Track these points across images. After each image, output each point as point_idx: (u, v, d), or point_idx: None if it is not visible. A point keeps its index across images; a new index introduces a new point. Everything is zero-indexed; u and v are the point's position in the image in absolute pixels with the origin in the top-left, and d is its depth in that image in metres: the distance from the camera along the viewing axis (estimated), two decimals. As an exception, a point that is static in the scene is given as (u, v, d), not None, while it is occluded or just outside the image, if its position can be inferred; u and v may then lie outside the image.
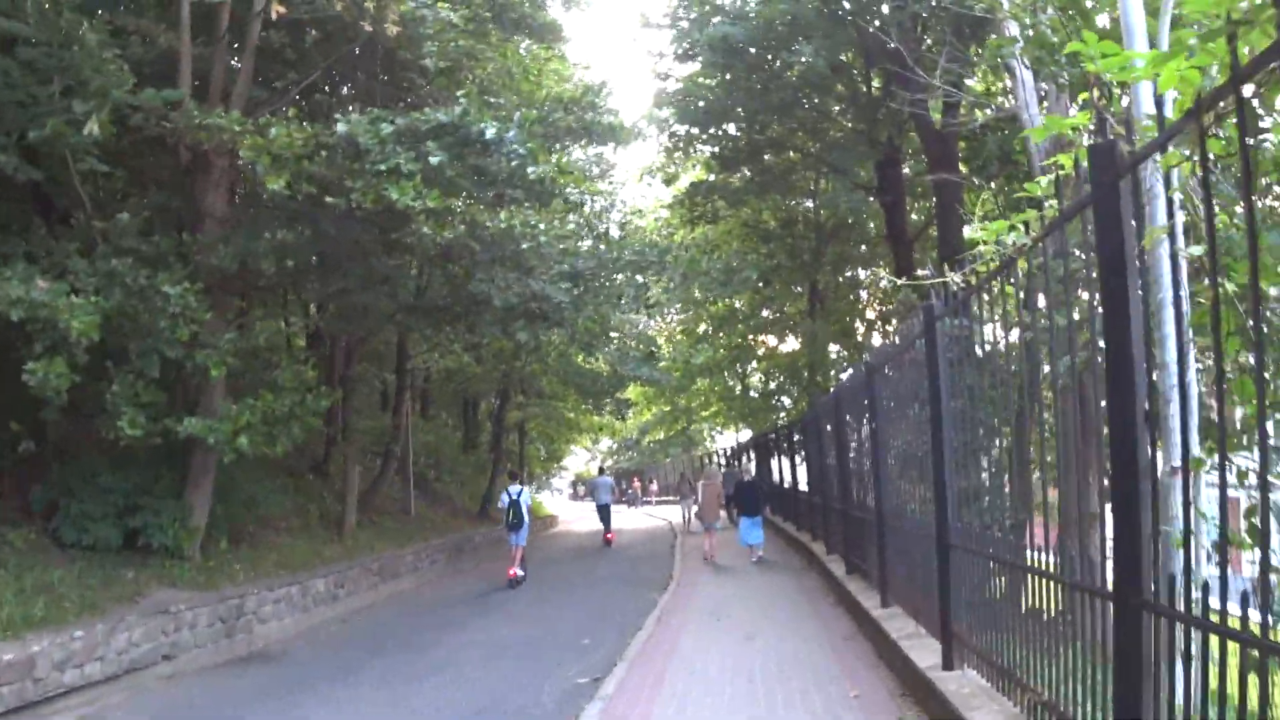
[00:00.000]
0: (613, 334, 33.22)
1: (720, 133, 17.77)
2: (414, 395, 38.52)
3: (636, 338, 36.42)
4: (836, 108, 18.28)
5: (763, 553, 17.69)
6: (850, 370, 11.87)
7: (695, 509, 22.89)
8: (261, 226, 11.54)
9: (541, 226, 11.07)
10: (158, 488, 12.27)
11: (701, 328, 29.74)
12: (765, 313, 29.57)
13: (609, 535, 26.68)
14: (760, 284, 22.16)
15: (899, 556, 7.89)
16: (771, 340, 32.20)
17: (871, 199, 21.00)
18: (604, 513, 27.28)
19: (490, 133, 10.87)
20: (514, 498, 18.16)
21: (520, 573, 17.41)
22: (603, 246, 16.81)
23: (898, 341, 7.46)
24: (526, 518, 18.08)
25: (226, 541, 13.43)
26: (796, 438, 20.09)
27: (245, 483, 14.95)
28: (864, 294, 27.39)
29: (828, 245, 21.76)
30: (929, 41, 14.49)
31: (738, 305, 28.23)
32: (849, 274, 25.14)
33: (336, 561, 16.10)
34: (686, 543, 22.81)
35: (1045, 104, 10.24)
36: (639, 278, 17.78)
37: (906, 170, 19.11)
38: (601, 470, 41.35)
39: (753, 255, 21.31)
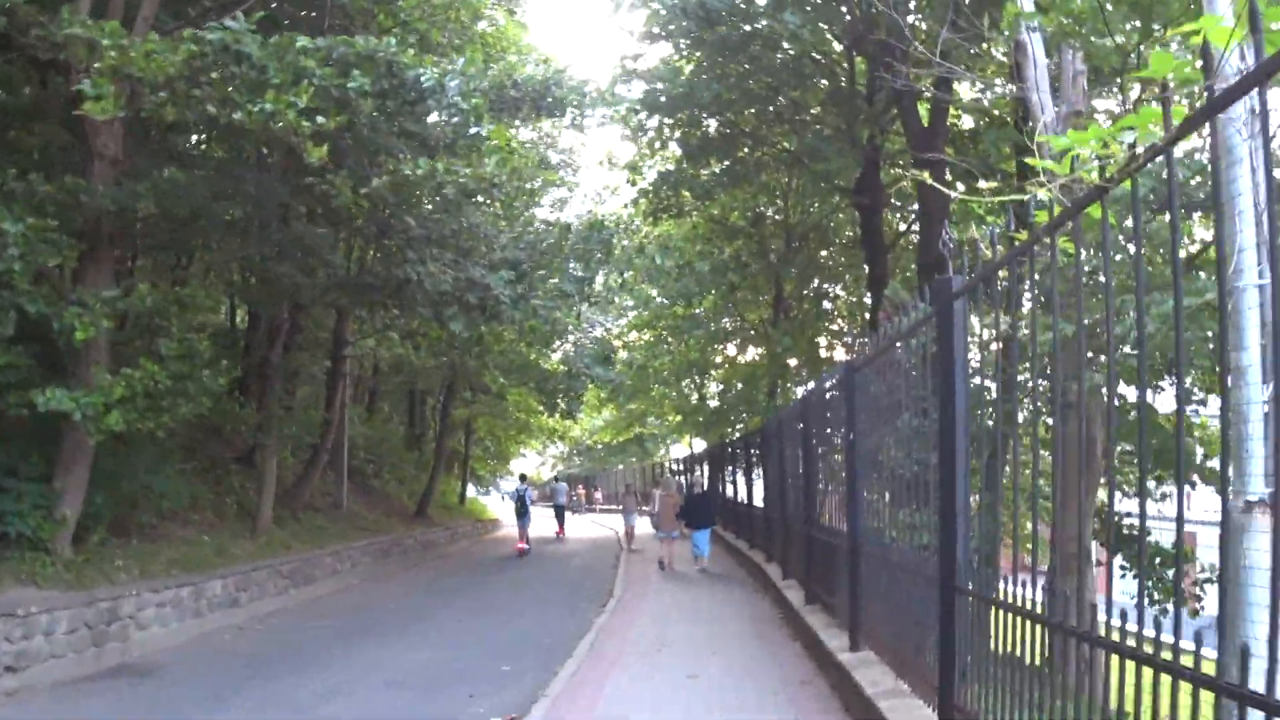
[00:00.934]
0: (569, 332, 31.98)
1: (690, 118, 16.42)
2: (359, 388, 37.01)
3: (593, 340, 35.16)
4: (815, 107, 17.05)
5: (708, 564, 18.22)
6: (823, 376, 10.52)
7: (649, 518, 23.00)
8: (159, 170, 10.00)
9: (466, 171, 9.61)
10: (24, 469, 10.65)
11: (659, 333, 28.34)
12: (726, 321, 28.34)
13: (560, 531, 31.50)
14: (723, 284, 20.77)
15: (877, 592, 6.57)
16: (731, 350, 31.01)
17: (845, 204, 19.89)
18: (559, 512, 32.63)
19: (428, 79, 9.43)
20: (521, 494, 25.26)
21: (527, 546, 24.31)
22: (545, 229, 15.34)
23: (889, 334, 6.14)
24: (530, 509, 24.88)
25: (104, 535, 11.78)
26: (753, 451, 18.83)
27: (139, 469, 13.34)
28: (829, 305, 26.31)
29: (797, 249, 20.51)
30: (921, 18, 13.30)
31: (698, 311, 26.96)
32: (816, 284, 23.92)
33: (243, 561, 14.52)
34: (631, 559, 21.38)
35: (1058, 88, 9.08)
36: (578, 269, 16.37)
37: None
38: (557, 478, 47.81)
39: (716, 253, 19.90)
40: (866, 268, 17.86)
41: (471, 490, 54.19)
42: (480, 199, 11.14)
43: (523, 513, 24.88)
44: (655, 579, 16.98)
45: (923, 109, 15.07)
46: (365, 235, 12.17)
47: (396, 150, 10.48)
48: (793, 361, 24.18)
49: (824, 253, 23.00)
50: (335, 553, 18.17)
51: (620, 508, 29.07)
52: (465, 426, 38.24)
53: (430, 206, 11.75)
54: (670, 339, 28.05)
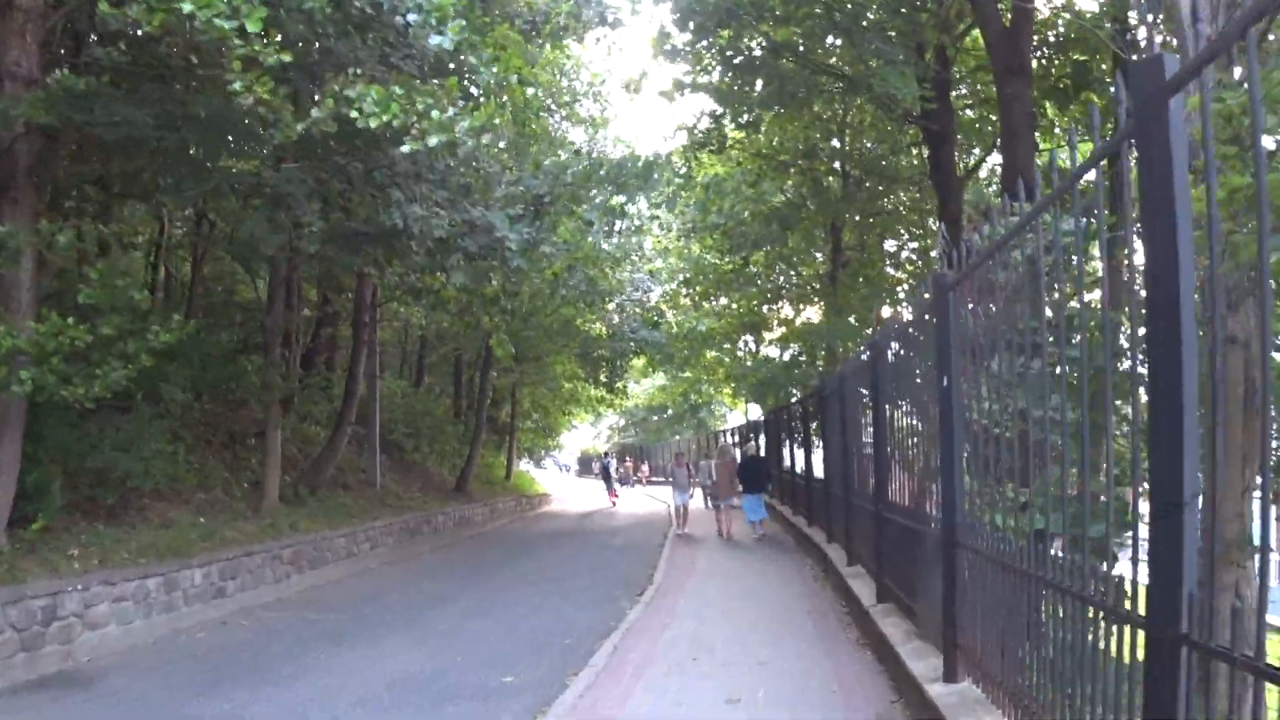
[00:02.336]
0: (611, 295, 30.04)
1: (732, 37, 14.18)
2: (405, 359, 35.51)
3: (639, 303, 33.24)
4: (874, 9, 14.73)
5: (763, 528, 18.61)
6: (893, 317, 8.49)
7: (702, 490, 23.03)
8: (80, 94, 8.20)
9: (435, 113, 7.65)
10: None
11: (708, 291, 26.19)
12: (779, 277, 26.12)
13: (613, 495, 37.41)
14: (773, 231, 18.48)
15: (988, 606, 4.57)
16: (787, 311, 28.81)
17: (911, 135, 17.59)
18: (608, 480, 38.44)
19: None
20: (604, 464, 39.08)
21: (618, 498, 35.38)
22: (571, 158, 13.24)
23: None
24: (615, 475, 36.47)
25: (53, 519, 10.15)
26: (810, 416, 16.76)
27: (106, 445, 11.76)
28: (892, 263, 23.94)
29: (857, 186, 18.11)
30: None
31: (750, 269, 24.74)
32: (878, 232, 21.49)
33: (235, 545, 12.93)
34: (678, 542, 19.41)
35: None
36: (611, 198, 14.27)
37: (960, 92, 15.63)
38: (606, 454, 55.47)
39: (764, 194, 17.55)
40: (938, 205, 15.61)
41: (526, 464, 52.92)
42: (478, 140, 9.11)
43: (608, 478, 38.11)
44: (703, 562, 15.08)
45: (1003, 7, 12.80)
46: (349, 175, 10.26)
47: (362, 70, 8.59)
48: (854, 320, 22.03)
49: (887, 199, 20.62)
50: (351, 534, 16.53)
51: (669, 480, 25.11)
52: (511, 397, 36.62)
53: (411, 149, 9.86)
54: (720, 297, 25.88)
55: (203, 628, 10.93)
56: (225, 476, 16.50)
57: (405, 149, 7.82)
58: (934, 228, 21.75)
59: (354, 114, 7.44)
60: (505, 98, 10.35)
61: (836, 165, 17.96)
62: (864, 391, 9.07)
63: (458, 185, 10.74)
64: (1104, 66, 14.85)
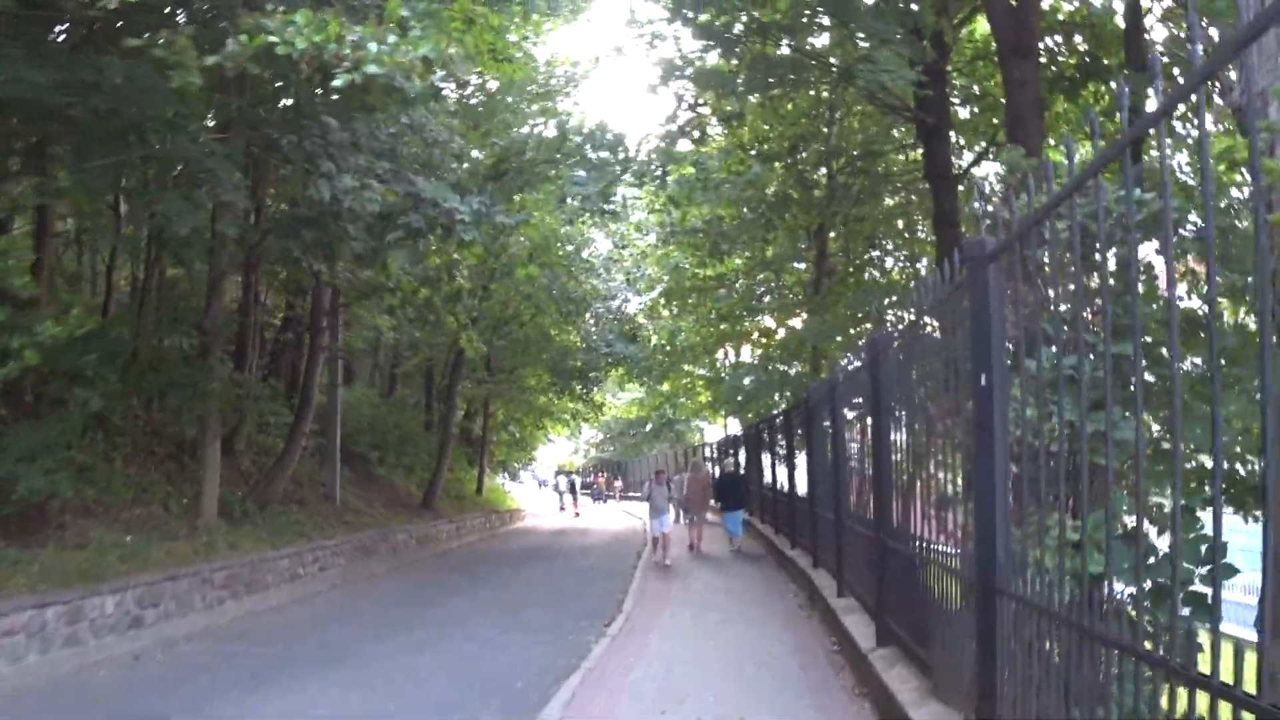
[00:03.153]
0: (587, 303, 28.91)
1: (712, 17, 13.06)
2: (377, 368, 34.14)
3: (614, 313, 32.16)
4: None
5: (741, 543, 18.63)
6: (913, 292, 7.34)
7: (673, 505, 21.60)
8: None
9: (372, 45, 6.49)
10: None
11: (685, 301, 25.02)
12: (760, 281, 24.98)
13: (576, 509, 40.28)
14: (756, 229, 17.26)
15: (1039, 665, 3.43)
16: (769, 322, 27.71)
17: (904, 132, 16.56)
18: (573, 494, 41.97)
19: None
20: (570, 480, 42.96)
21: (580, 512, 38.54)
22: (537, 130, 11.96)
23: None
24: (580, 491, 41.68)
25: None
26: (794, 430, 15.62)
27: (11, 456, 10.47)
28: (880, 272, 22.84)
29: (845, 181, 16.88)
30: None
31: (727, 275, 23.57)
32: (866, 236, 20.34)
33: (158, 568, 11.65)
34: (650, 567, 18.22)
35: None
36: (589, 179, 13.04)
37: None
38: (564, 471, 56.72)
39: (746, 186, 16.33)
40: (933, 203, 14.56)
41: (504, 479, 51.40)
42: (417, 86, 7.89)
43: (573, 492, 41.64)
44: (677, 588, 13.90)
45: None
46: (279, 147, 9.05)
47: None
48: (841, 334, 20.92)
49: (876, 201, 19.49)
50: (297, 554, 15.25)
51: (646, 498, 20.73)
52: (484, 409, 35.35)
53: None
54: (697, 305, 24.72)
55: (110, 664, 9.65)
56: (167, 490, 15.25)
57: (338, 82, 6.64)
58: (923, 237, 20.72)
59: (274, 40, 6.26)
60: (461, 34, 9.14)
61: (823, 170, 16.82)
62: (859, 400, 7.94)
63: (403, 155, 9.53)
64: (1110, 59, 13.92)
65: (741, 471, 22.87)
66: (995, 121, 15.06)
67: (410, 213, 9.06)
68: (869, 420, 7.10)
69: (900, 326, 5.65)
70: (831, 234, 20.00)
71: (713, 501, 19.95)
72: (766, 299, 26.93)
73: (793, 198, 15.41)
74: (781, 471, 17.21)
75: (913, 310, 5.33)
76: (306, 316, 21.79)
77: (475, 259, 12.11)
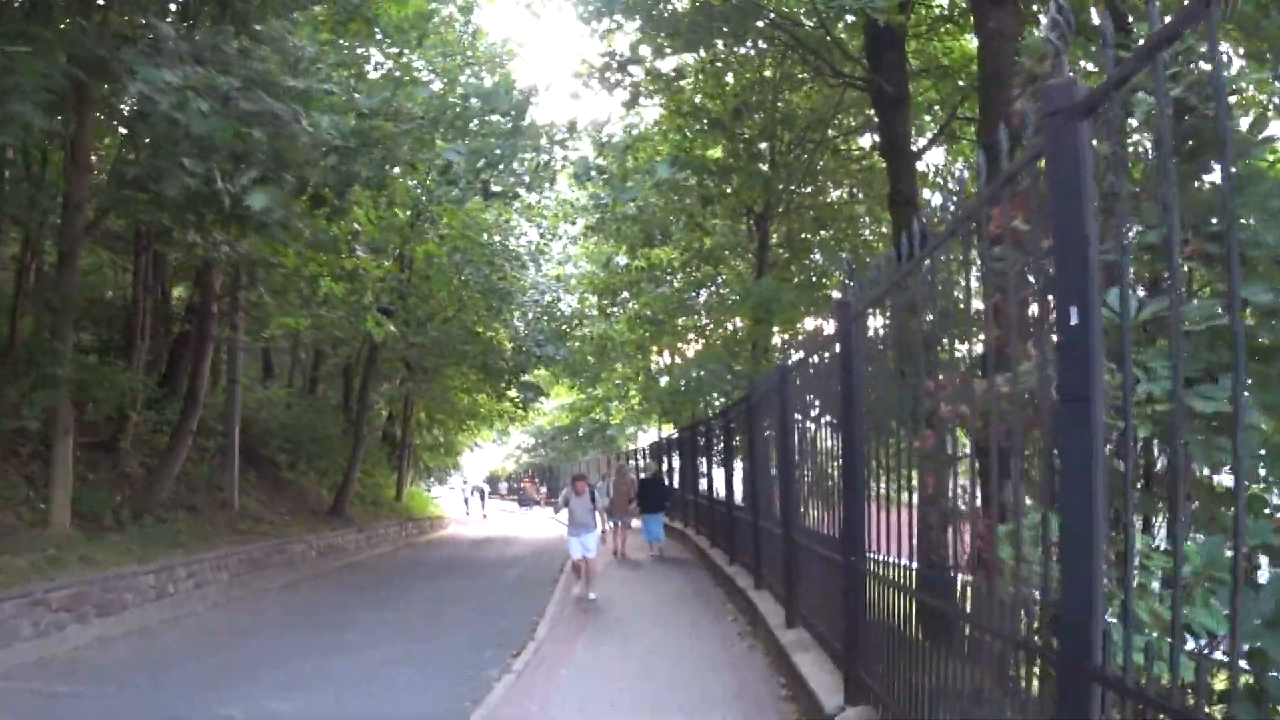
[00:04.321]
0: (512, 297, 27.18)
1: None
2: (299, 366, 31.88)
3: (544, 309, 30.48)
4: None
5: (663, 548, 18.88)
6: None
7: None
8: None
9: None
10: None
11: (615, 294, 23.41)
12: (696, 293, 23.49)
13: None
14: (700, 202, 15.60)
15: None
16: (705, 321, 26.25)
17: (855, 105, 15.20)
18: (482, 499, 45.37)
19: None
20: (479, 488, 46.31)
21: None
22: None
23: None
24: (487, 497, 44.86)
25: None
26: (732, 431, 14.09)
27: None
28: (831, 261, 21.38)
29: (790, 152, 15.30)
30: None
31: (664, 262, 21.96)
32: (813, 217, 18.79)
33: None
34: (572, 583, 16.58)
35: None
36: (490, 145, 11.23)
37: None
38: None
39: (685, 153, 14.68)
40: (890, 180, 13.19)
41: (431, 485, 49.39)
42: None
43: (482, 498, 45.16)
44: (599, 609, 12.28)
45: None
46: (95, 56, 7.20)
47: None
48: (778, 340, 19.47)
49: (823, 182, 18.00)
50: (167, 568, 13.29)
51: (559, 503, 20.12)
52: (404, 409, 33.35)
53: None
54: (630, 297, 23.11)
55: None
56: (29, 495, 13.36)
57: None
58: (869, 237, 19.34)
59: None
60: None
61: (765, 145, 15.29)
62: (821, 391, 6.41)
63: (253, 70, 7.75)
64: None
65: (663, 476, 22.94)
66: (959, 87, 13.70)
67: (266, 146, 7.33)
68: (838, 414, 5.55)
69: (905, 265, 4.06)
70: (774, 224, 18.57)
71: (633, 505, 19.73)
72: (703, 297, 25.52)
73: (735, 166, 13.83)
74: (719, 477, 15.67)
75: (945, 215, 3.71)
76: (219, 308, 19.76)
77: (365, 205, 10.27)
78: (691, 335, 26.16)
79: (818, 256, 20.06)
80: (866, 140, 19.00)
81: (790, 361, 7.77)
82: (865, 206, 18.21)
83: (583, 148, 13.31)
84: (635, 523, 19.77)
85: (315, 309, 19.81)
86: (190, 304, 21.09)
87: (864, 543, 5.04)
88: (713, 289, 25.04)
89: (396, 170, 10.46)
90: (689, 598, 12.91)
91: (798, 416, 7.56)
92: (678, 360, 29.16)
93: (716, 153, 14.29)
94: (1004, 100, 9.71)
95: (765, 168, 14.13)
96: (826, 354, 6.01)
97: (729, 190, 15.20)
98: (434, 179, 9.33)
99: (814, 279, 15.65)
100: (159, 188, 8.00)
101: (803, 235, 17.26)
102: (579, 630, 10.59)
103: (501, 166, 10.16)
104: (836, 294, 10.10)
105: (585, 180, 12.62)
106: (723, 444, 14.70)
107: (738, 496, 13.53)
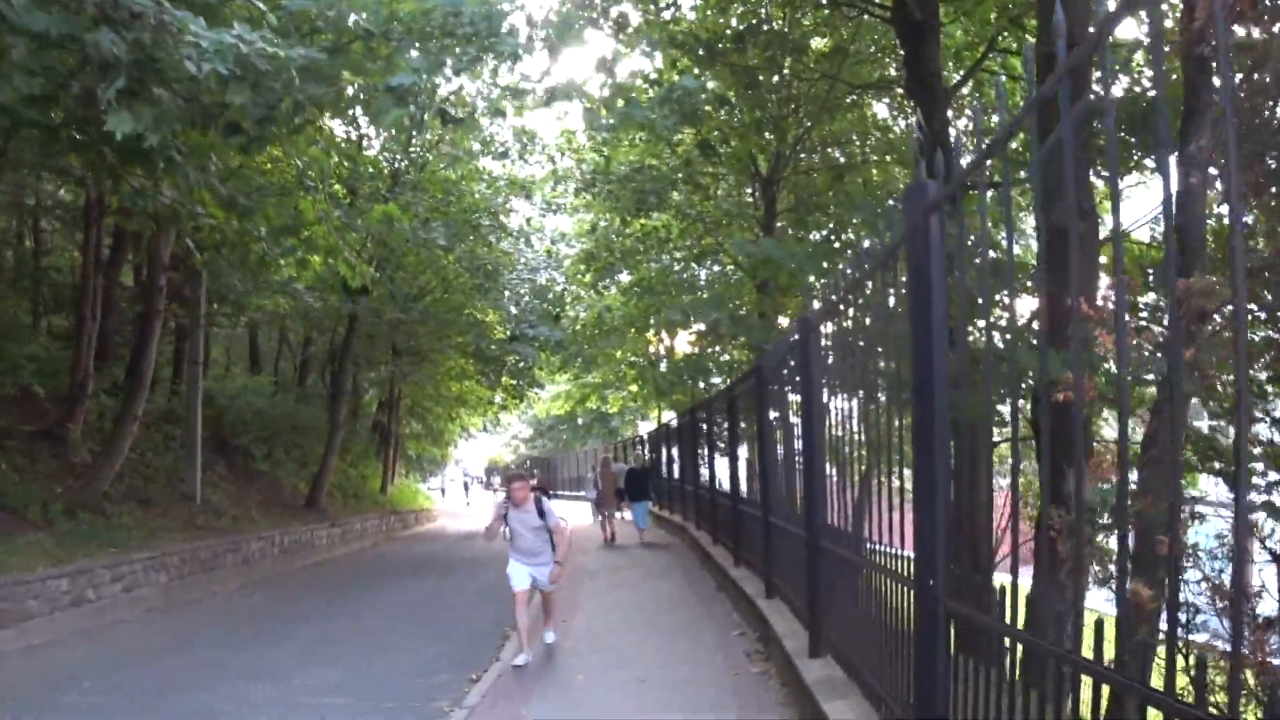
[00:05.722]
0: (499, 273, 25.38)
1: None
2: (289, 356, 29.97)
3: (535, 289, 28.69)
4: None
5: (648, 536, 19.55)
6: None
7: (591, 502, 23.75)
8: None
9: None
10: None
11: (609, 261, 21.53)
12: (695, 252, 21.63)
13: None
14: (700, 147, 13.64)
15: None
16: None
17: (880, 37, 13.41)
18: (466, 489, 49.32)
19: None
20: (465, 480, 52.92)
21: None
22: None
23: None
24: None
25: None
26: (737, 412, 12.25)
27: None
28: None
29: (799, 95, 13.29)
30: None
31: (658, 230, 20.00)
32: (825, 159, 16.73)
33: None
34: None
35: None
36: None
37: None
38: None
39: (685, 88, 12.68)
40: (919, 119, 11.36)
41: (431, 480, 47.73)
42: None
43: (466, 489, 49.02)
44: (581, 622, 10.49)
45: None
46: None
47: None
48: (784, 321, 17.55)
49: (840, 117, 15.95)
50: (85, 571, 11.53)
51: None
52: (389, 394, 31.54)
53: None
54: (627, 266, 21.26)
55: None
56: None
57: None
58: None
59: None
60: None
61: (776, 79, 13.21)
62: (881, 332, 4.59)
63: None
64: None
65: (649, 466, 24.35)
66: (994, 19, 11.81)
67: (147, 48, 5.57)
68: (903, 368, 3.74)
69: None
70: (781, 193, 16.67)
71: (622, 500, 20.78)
72: (704, 277, 23.77)
73: (739, 99, 11.81)
74: (722, 466, 13.85)
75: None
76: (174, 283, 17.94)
77: (288, 141, 8.44)
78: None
79: (832, 234, 18.10)
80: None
81: (816, 307, 5.92)
82: (885, 169, 16.24)
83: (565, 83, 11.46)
84: (628, 515, 20.56)
85: (294, 288, 18.08)
86: (139, 278, 19.32)
87: (945, 560, 3.24)
88: (714, 267, 23.28)
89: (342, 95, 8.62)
90: (689, 607, 11.11)
91: (829, 384, 5.76)
92: (675, 347, 27.46)
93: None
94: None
95: (772, 104, 12.21)
96: (878, 281, 4.16)
97: (731, 138, 13.31)
98: (379, 97, 7.52)
99: (830, 238, 13.73)
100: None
101: (814, 199, 15.37)
102: (558, 645, 8.80)
103: (464, 78, 8.46)
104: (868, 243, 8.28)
105: (566, 98, 10.85)
106: (728, 425, 12.85)
107: (745, 489, 11.71)
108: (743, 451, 12.18)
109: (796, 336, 6.63)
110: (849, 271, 4.78)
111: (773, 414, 8.52)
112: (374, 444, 32.41)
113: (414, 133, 19.55)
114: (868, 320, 4.51)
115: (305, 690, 7.88)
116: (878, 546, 4.27)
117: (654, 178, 15.80)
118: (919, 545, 3.25)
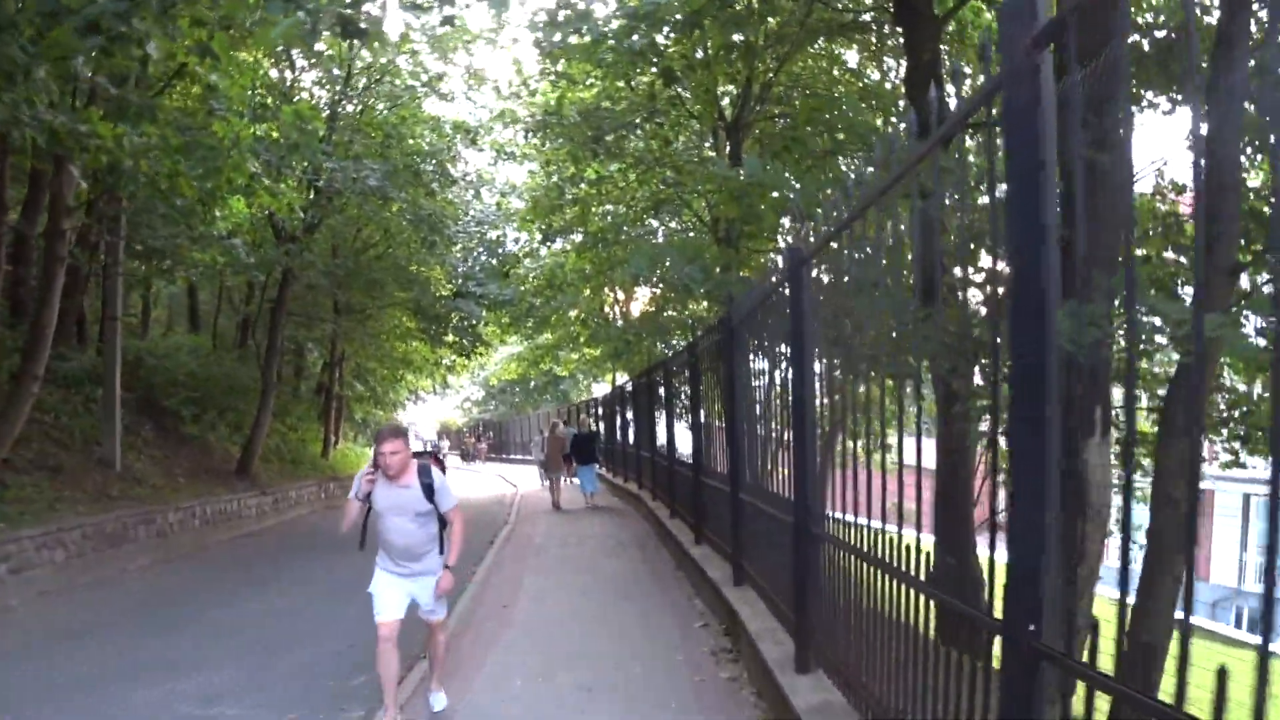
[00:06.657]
0: (447, 226, 23.91)
1: None
2: (231, 313, 28.20)
3: (485, 245, 27.31)
4: None
5: (596, 499, 20.06)
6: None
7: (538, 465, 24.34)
8: None
9: None
10: None
11: (565, 215, 20.15)
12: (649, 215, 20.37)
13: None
14: (662, 75, 12.25)
15: None
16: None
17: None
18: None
19: None
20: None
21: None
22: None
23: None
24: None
25: None
26: (703, 370, 11.08)
27: None
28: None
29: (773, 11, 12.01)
30: None
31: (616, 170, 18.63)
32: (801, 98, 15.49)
33: None
34: (491, 580, 13.71)
35: None
36: None
37: None
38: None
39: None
40: (906, 53, 10.18)
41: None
42: None
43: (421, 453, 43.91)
44: (522, 613, 9.31)
45: None
46: None
47: None
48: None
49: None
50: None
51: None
52: (330, 354, 29.99)
53: None
54: (576, 219, 19.90)
55: None
56: None
57: None
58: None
59: None
60: None
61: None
62: (894, 264, 3.43)
63: None
64: None
65: (596, 431, 24.40)
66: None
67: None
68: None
69: None
70: (748, 141, 15.43)
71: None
72: (661, 232, 22.48)
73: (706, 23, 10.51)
74: (683, 433, 12.70)
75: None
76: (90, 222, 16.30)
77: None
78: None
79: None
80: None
81: (812, 239, 4.70)
82: (862, 118, 14.99)
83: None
84: (574, 479, 20.70)
85: (231, 243, 16.62)
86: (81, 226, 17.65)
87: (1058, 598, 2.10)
88: (672, 223, 22.04)
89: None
90: (644, 590, 9.99)
91: (826, 334, 4.59)
92: (630, 309, 26.25)
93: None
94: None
95: (748, 28, 10.95)
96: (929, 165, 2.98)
97: (698, 68, 12.00)
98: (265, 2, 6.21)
99: (811, 169, 12.47)
100: None
101: (790, 134, 14.10)
102: (487, 650, 7.63)
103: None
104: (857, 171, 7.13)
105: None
106: (689, 387, 11.70)
107: (708, 459, 10.56)
108: (707, 417, 11.03)
109: (776, 279, 5.44)
110: (869, 171, 3.58)
111: (752, 369, 7.33)
112: (317, 407, 30.87)
113: (350, 66, 18.04)
114: (906, 234, 3.33)
115: (196, 697, 6.65)
116: (904, 547, 3.13)
117: (610, 117, 14.51)
118: (1015, 571, 2.11)
